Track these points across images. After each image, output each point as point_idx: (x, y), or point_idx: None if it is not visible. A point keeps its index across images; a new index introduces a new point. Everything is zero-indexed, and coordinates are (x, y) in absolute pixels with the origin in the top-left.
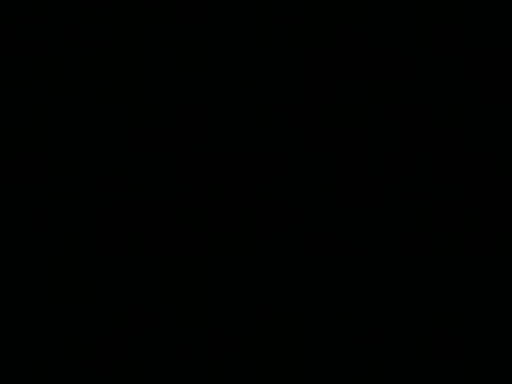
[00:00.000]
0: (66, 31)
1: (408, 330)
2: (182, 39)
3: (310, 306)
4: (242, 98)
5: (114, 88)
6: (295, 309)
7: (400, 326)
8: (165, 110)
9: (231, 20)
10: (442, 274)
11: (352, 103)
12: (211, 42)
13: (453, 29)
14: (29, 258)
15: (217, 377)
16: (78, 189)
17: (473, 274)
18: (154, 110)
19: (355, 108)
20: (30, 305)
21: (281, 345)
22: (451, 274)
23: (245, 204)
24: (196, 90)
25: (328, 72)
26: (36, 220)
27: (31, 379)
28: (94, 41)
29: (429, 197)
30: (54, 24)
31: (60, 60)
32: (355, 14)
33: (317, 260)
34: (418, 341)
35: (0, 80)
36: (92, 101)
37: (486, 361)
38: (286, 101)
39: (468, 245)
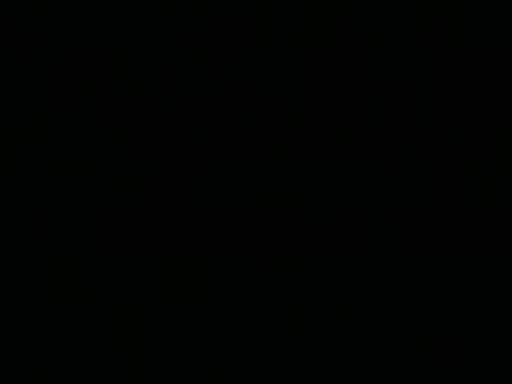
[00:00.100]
0: (65, 31)
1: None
2: (181, 39)
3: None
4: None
5: (114, 88)
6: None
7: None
8: (165, 110)
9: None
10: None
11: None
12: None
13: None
14: (29, 258)
15: (217, 377)
16: (78, 188)
17: (473, 275)
18: (155, 110)
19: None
20: (30, 304)
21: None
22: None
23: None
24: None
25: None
26: (36, 220)
27: (31, 378)
28: (94, 41)
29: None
30: (54, 24)
31: (60, 60)
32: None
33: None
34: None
35: (0, 80)
36: (92, 101)
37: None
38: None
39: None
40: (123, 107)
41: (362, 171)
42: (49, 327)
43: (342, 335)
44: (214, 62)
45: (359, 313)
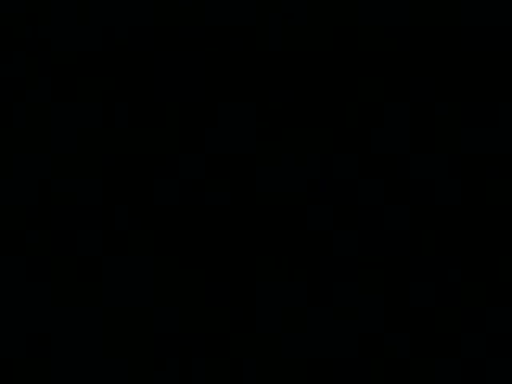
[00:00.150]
0: (65, 31)
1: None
2: (181, 39)
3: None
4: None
5: (114, 87)
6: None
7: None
8: (165, 110)
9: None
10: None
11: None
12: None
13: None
14: (28, 258)
15: (216, 377)
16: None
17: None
18: (155, 110)
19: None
20: (29, 304)
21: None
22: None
23: (244, 205)
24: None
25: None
26: (36, 220)
27: (31, 378)
28: (94, 41)
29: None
30: (54, 24)
31: (60, 60)
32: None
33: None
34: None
35: (0, 80)
36: (92, 101)
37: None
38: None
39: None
40: (123, 107)
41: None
42: (48, 327)
43: (343, 335)
44: (213, 61)
45: (359, 312)
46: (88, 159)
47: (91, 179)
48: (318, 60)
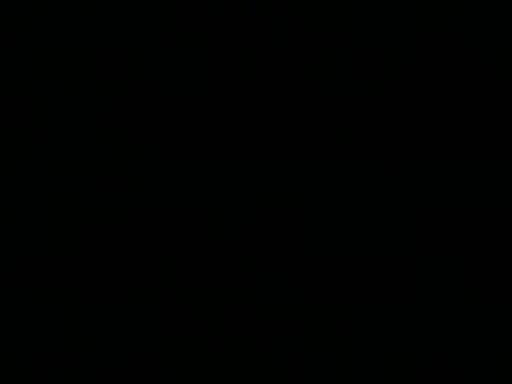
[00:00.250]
0: (65, 31)
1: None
2: (182, 39)
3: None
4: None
5: (114, 87)
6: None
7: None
8: (166, 111)
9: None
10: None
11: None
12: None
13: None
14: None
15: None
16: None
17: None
18: (155, 110)
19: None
20: (29, 305)
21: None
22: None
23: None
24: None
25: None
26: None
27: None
28: (94, 41)
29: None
30: (54, 24)
31: (60, 60)
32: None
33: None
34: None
35: (0, 80)
36: (92, 101)
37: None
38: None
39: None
40: (123, 107)
41: (363, 171)
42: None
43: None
44: (213, 61)
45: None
46: (88, 159)
47: (91, 179)
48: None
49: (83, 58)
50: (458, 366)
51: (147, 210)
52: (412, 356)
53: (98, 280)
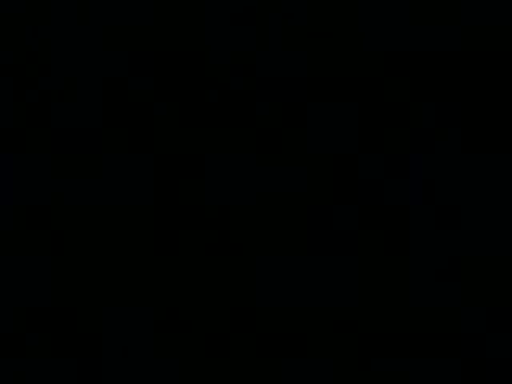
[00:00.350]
0: (66, 31)
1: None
2: (182, 39)
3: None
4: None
5: (114, 87)
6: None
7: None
8: (167, 111)
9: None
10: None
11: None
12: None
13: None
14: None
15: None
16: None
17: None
18: (156, 110)
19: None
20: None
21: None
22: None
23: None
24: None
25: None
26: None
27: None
28: (94, 41)
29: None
30: (54, 24)
31: (60, 60)
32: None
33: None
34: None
35: (0, 80)
36: (92, 101)
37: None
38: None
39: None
40: (123, 107)
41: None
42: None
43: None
44: (213, 60)
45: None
46: (88, 159)
47: (91, 179)
48: (318, 60)
49: (84, 58)
50: None
51: (147, 210)
52: None
53: (98, 280)
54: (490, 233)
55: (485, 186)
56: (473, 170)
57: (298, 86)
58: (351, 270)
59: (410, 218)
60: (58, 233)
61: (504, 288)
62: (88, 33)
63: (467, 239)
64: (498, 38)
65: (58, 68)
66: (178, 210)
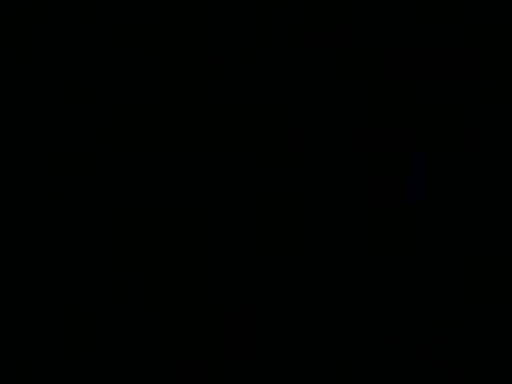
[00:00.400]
0: (66, 31)
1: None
2: (182, 39)
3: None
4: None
5: (114, 87)
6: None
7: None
8: (167, 111)
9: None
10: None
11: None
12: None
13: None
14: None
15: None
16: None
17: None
18: (156, 111)
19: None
20: (31, 304)
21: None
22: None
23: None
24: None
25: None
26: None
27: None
28: (94, 41)
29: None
30: (54, 24)
31: (60, 60)
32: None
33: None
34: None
35: (0, 80)
36: (92, 101)
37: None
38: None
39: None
40: (123, 107)
41: (363, 170)
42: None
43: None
44: (213, 60)
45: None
46: (88, 159)
47: (91, 179)
48: (318, 60)
49: (84, 58)
50: None
51: (147, 210)
52: None
53: (98, 280)
54: (490, 233)
55: (485, 186)
56: (473, 170)
57: (298, 85)
58: (351, 269)
59: (409, 218)
60: (58, 233)
61: (504, 288)
62: (88, 33)
63: (467, 239)
64: (498, 38)
65: (57, 68)
66: (177, 210)
